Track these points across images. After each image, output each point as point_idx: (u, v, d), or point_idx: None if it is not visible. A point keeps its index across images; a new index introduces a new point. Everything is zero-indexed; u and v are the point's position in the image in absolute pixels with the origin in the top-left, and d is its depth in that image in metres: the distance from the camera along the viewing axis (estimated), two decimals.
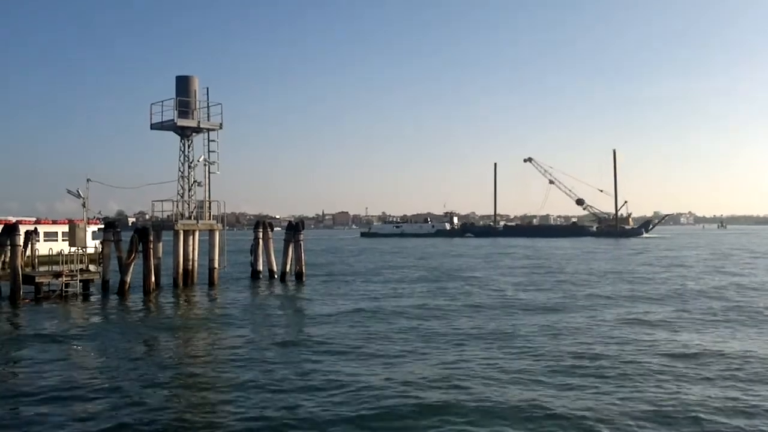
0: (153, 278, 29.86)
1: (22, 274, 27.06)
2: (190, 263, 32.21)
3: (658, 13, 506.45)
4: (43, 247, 36.95)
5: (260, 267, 36.90)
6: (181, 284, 31.33)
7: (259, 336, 19.64)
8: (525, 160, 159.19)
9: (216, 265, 33.29)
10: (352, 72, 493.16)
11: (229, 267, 36.68)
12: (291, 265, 36.21)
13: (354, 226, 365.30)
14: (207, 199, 33.12)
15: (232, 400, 12.54)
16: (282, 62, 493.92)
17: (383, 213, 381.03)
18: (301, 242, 35.95)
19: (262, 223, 37.80)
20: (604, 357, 16.09)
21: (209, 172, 32.99)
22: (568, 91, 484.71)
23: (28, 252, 33.94)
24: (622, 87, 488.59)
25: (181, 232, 31.62)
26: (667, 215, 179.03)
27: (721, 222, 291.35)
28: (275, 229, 40.21)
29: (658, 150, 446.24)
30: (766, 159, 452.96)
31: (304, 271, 36.09)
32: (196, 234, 32.59)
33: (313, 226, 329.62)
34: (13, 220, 44.32)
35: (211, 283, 32.76)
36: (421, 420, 11.35)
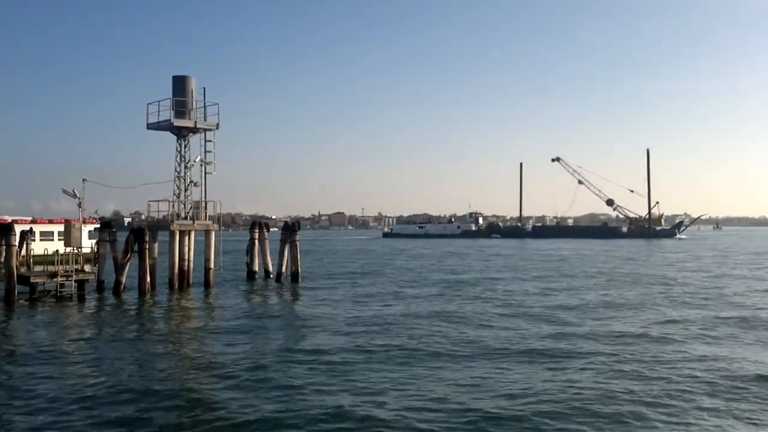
0: (148, 279, 29.83)
1: (17, 275, 27.02)
2: (186, 264, 32.18)
3: (657, 13, 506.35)
4: (38, 247, 36.82)
5: (256, 267, 36.90)
6: (176, 285, 31.29)
7: (254, 337, 19.67)
8: (553, 160, 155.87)
9: (212, 266, 33.28)
10: (348, 71, 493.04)
11: (225, 267, 36.66)
12: (287, 265, 36.23)
13: (350, 227, 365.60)
14: (203, 199, 33.12)
15: (226, 402, 12.54)
16: (279, 61, 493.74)
17: (379, 213, 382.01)
18: (297, 243, 35.97)
19: (258, 224, 37.81)
20: None
21: (205, 173, 33.02)
22: (572, 88, 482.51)
23: (24, 252, 33.83)
24: (622, 85, 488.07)
25: (177, 232, 31.60)
26: (699, 216, 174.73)
27: (717, 224, 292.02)
28: (271, 229, 40.16)
29: (658, 150, 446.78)
30: (761, 160, 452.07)
31: (299, 271, 36.12)
32: (192, 234, 32.57)
33: (309, 227, 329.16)
34: (9, 219, 44.22)
35: (206, 284, 32.75)
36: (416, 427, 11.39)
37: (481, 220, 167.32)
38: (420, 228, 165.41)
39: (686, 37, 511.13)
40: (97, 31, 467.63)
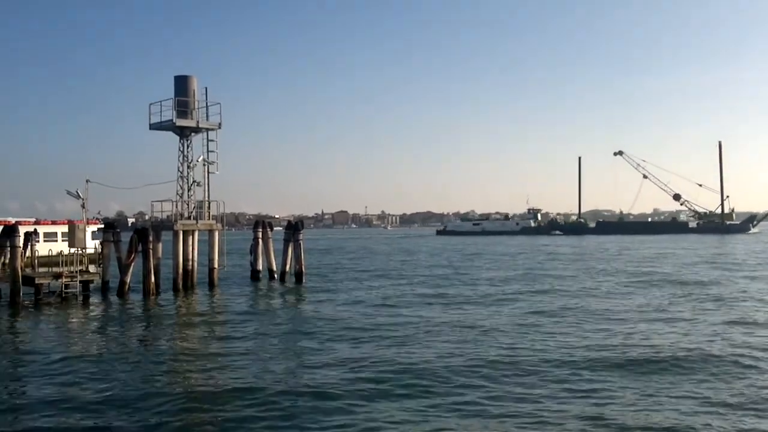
0: (152, 279, 29.82)
1: (21, 276, 27.07)
2: (190, 263, 32.17)
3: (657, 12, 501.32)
4: (42, 248, 36.92)
5: (260, 267, 36.90)
6: (180, 285, 31.28)
7: (258, 337, 19.66)
8: (615, 154, 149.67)
9: (216, 266, 33.30)
10: (351, 71, 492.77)
11: (229, 267, 36.67)
12: (291, 265, 36.23)
13: (353, 225, 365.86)
14: (206, 199, 33.10)
15: (231, 403, 12.53)
16: (281, 60, 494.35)
17: (382, 212, 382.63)
18: (301, 242, 35.96)
19: (262, 223, 37.79)
20: None
21: (208, 172, 32.97)
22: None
23: (28, 253, 33.91)
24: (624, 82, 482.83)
25: (181, 232, 31.59)
26: None
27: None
28: (275, 228, 40.15)
29: (662, 146, 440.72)
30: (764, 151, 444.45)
31: (304, 270, 36.09)
32: (196, 234, 32.58)
33: (312, 226, 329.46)
34: (13, 221, 44.29)
35: (210, 284, 32.79)
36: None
37: (539, 217, 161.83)
38: (475, 225, 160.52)
39: (693, 31, 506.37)
40: (99, 31, 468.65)
